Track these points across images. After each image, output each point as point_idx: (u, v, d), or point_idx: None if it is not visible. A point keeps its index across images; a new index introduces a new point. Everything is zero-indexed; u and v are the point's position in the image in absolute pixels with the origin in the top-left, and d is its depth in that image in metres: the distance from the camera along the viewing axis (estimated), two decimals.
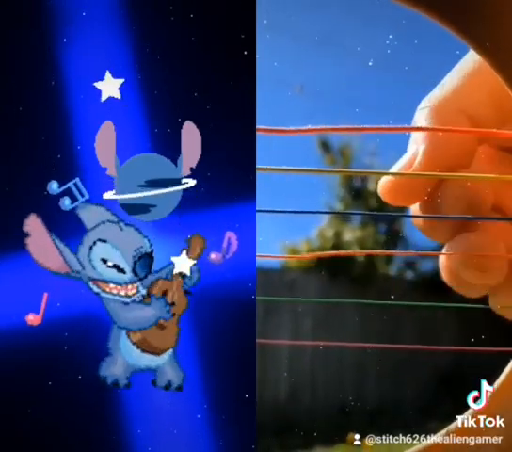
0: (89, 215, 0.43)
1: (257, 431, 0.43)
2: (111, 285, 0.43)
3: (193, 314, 0.44)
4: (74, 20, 0.43)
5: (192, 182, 0.43)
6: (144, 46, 0.43)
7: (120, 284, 0.43)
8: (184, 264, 0.43)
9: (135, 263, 0.43)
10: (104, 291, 0.43)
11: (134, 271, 0.43)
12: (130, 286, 0.43)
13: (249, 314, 0.44)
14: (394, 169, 0.44)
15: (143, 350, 0.44)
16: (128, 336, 0.43)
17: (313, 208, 0.46)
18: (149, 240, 0.43)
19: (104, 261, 0.43)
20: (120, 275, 0.43)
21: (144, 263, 0.43)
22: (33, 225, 0.42)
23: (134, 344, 0.44)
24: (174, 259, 0.43)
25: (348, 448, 0.46)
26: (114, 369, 0.43)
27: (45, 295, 0.42)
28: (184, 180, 0.43)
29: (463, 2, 0.39)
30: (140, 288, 0.43)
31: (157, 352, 0.44)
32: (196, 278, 0.44)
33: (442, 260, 0.44)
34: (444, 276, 0.45)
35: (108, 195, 0.43)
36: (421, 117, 0.44)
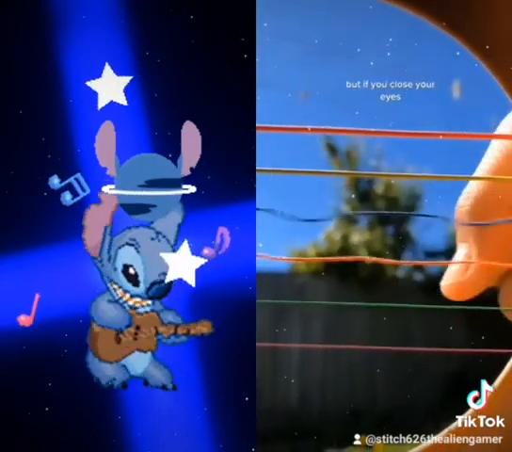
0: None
1: (267, 435, 0.43)
2: (121, 290, 0.43)
3: (193, 315, 0.44)
4: (75, 21, 0.43)
5: (192, 188, 0.43)
6: (145, 47, 0.43)
7: (129, 294, 0.43)
8: (188, 263, 0.43)
9: (152, 285, 0.43)
10: (115, 291, 0.43)
11: (147, 292, 0.43)
12: (136, 300, 0.43)
13: (249, 314, 0.44)
14: (451, 269, 0.47)
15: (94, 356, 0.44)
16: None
17: (320, 211, 0.46)
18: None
19: (127, 267, 0.43)
20: (133, 287, 0.43)
21: (161, 289, 0.43)
22: (109, 197, 0.43)
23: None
24: (176, 259, 0.43)
25: (358, 450, 0.46)
26: (107, 371, 0.43)
27: (37, 296, 0.42)
28: (184, 186, 0.43)
29: (460, 3, 0.39)
30: (143, 303, 0.43)
31: (102, 359, 0.44)
32: (178, 340, 0.44)
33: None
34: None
35: (106, 188, 0.43)
36: (462, 215, 0.45)
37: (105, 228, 0.43)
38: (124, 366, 0.44)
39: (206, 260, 0.43)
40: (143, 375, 0.44)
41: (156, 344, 0.44)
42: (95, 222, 0.43)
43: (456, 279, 0.47)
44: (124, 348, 0.44)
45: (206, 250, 0.43)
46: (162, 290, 0.43)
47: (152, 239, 0.43)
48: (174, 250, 0.43)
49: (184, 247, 0.43)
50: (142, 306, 0.44)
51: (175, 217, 0.43)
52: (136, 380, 0.44)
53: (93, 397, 0.43)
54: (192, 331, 0.44)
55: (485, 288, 0.46)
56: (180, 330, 0.44)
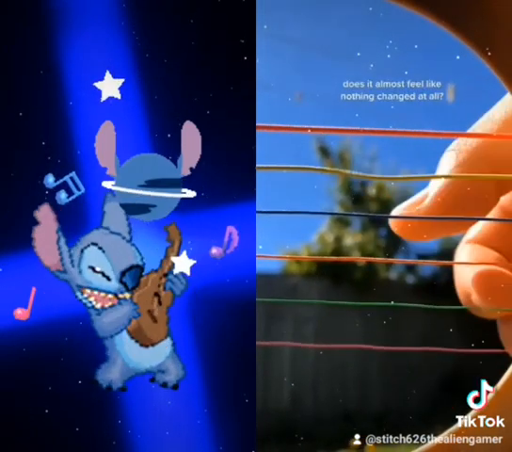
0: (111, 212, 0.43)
1: (260, 437, 0.43)
2: (94, 292, 0.43)
3: (193, 315, 0.44)
4: (75, 22, 0.43)
5: (191, 193, 0.43)
6: (145, 46, 0.43)
7: (104, 292, 0.43)
8: (183, 264, 0.43)
9: (123, 273, 0.43)
10: (87, 298, 0.43)
11: (122, 282, 0.43)
12: (110, 297, 0.43)
13: (249, 314, 0.44)
14: (405, 203, 0.45)
15: (140, 344, 0.44)
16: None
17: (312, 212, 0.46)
18: (139, 252, 0.43)
19: (93, 268, 0.43)
20: (106, 282, 0.43)
21: (134, 274, 0.43)
22: (44, 214, 0.42)
23: (129, 334, 0.43)
24: (174, 259, 0.43)
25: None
26: (110, 374, 0.43)
27: (33, 289, 0.42)
28: (183, 190, 0.43)
29: (462, 2, 0.39)
30: (120, 296, 0.43)
31: (147, 344, 0.44)
32: (184, 284, 0.44)
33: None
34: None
35: (107, 184, 0.43)
36: (446, 158, 0.44)
37: (58, 244, 0.43)
38: (132, 367, 0.44)
39: (195, 261, 0.43)
40: (157, 368, 0.44)
41: (172, 296, 0.44)
42: (44, 240, 0.43)
43: (410, 210, 0.44)
44: (161, 318, 0.44)
45: (214, 250, 0.43)
46: (136, 274, 0.43)
47: (111, 234, 0.43)
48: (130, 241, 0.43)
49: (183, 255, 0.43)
50: (107, 304, 0.43)
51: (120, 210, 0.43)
52: (137, 380, 0.44)
53: (93, 399, 0.43)
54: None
55: (441, 235, 0.45)
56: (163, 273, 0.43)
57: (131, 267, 0.43)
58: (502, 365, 0.44)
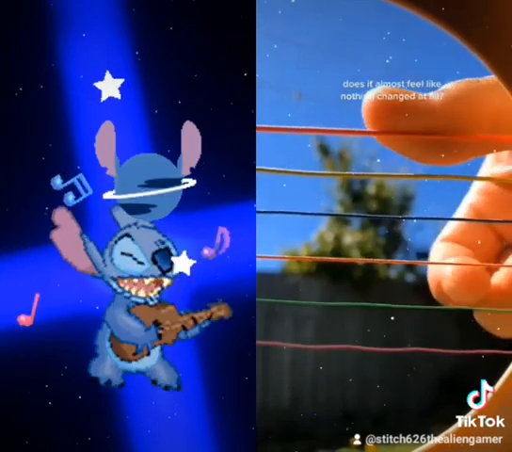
0: (122, 216, 0.43)
1: (259, 437, 0.43)
2: (134, 280, 0.43)
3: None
4: (75, 20, 0.43)
5: (192, 182, 0.43)
6: (145, 46, 0.43)
7: (142, 277, 0.43)
8: (183, 264, 0.43)
9: (154, 256, 0.43)
10: (123, 288, 0.43)
11: (157, 265, 0.43)
12: (150, 281, 0.43)
13: (250, 314, 0.44)
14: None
15: (121, 358, 0.44)
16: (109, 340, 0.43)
17: (313, 212, 0.46)
18: (167, 237, 0.43)
19: (125, 254, 0.43)
20: (140, 266, 0.43)
21: (163, 255, 0.43)
22: (63, 218, 0.42)
23: (110, 347, 0.44)
24: (174, 259, 0.43)
25: (351, 451, 0.46)
26: (105, 369, 0.43)
27: (37, 296, 0.42)
28: (184, 180, 0.43)
29: (462, 3, 0.39)
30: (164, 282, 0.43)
31: (127, 359, 0.44)
32: (195, 332, 0.44)
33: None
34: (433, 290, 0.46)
35: (108, 195, 0.43)
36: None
37: (85, 246, 0.43)
38: (121, 366, 0.44)
39: (195, 261, 0.43)
40: (147, 372, 0.44)
41: (176, 338, 0.44)
42: (70, 246, 0.43)
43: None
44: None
45: (206, 251, 0.43)
46: (165, 255, 0.43)
47: (138, 228, 0.43)
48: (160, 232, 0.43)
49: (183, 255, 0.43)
50: (152, 298, 0.43)
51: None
52: (136, 380, 0.44)
53: (93, 398, 0.43)
54: (213, 317, 0.43)
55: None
56: (200, 319, 0.43)
57: (158, 250, 0.43)
58: (502, 365, 0.44)
